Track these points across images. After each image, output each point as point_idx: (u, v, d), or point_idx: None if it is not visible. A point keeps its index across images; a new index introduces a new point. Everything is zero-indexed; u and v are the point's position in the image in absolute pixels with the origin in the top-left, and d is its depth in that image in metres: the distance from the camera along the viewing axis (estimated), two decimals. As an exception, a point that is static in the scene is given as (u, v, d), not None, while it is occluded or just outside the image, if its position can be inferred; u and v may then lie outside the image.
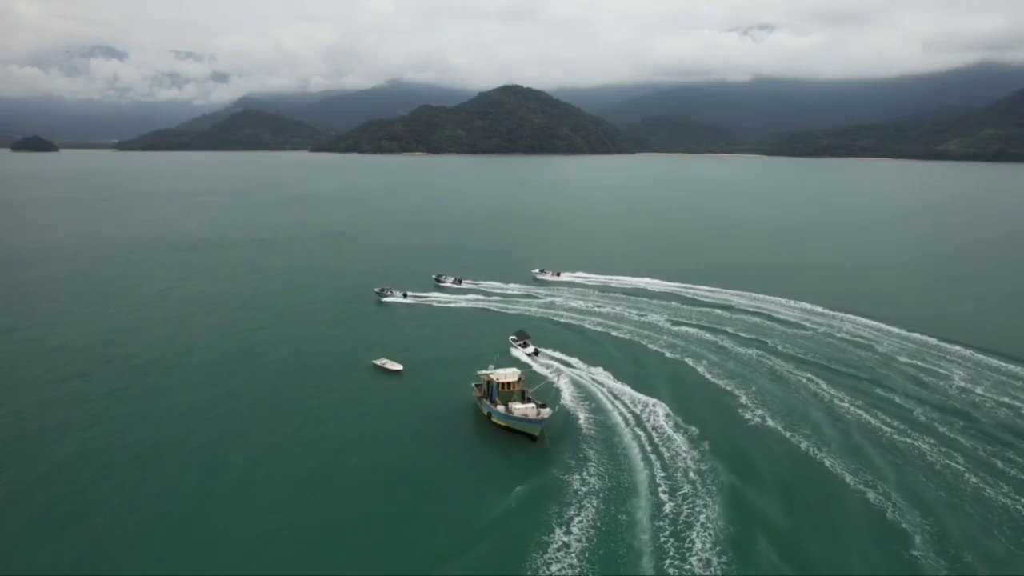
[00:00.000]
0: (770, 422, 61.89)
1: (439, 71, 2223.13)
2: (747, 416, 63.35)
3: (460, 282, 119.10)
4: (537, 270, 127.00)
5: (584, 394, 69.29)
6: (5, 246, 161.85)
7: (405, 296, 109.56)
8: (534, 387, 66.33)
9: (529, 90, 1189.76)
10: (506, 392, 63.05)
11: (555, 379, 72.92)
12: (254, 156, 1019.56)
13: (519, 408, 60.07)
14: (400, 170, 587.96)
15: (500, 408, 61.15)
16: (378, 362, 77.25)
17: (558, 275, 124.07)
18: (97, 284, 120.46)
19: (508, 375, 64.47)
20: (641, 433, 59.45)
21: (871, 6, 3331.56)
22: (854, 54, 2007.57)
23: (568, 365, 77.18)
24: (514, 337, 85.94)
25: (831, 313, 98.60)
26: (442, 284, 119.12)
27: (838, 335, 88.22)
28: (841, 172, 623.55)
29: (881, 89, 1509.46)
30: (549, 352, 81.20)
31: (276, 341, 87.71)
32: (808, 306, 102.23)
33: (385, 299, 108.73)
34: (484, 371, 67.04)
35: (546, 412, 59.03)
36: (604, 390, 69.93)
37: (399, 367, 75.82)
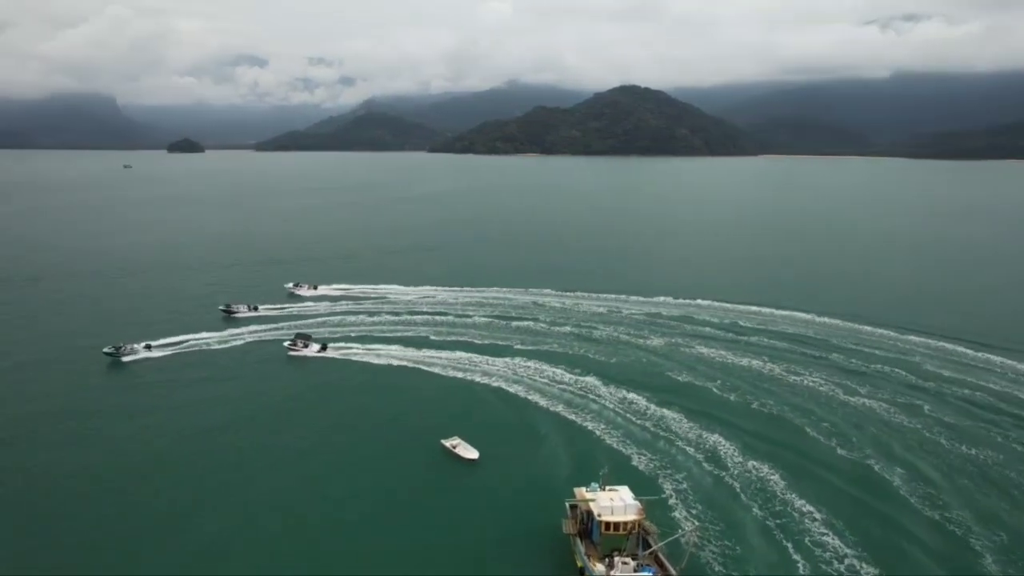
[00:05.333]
0: None
1: (556, 72, 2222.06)
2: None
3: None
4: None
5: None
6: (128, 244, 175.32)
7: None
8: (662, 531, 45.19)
9: (646, 90, 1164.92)
10: (614, 535, 43.27)
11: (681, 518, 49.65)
12: (373, 156, 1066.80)
13: None
14: (511, 171, 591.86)
15: (599, 569, 41.85)
16: (449, 443, 61.27)
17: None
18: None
19: (619, 507, 43.95)
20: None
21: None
22: (1018, 43, 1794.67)
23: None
24: (289, 343, 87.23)
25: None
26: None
27: None
28: (1001, 177, 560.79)
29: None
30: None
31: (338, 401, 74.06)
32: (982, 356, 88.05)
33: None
34: (584, 490, 46.79)
35: None
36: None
37: (474, 454, 59.63)
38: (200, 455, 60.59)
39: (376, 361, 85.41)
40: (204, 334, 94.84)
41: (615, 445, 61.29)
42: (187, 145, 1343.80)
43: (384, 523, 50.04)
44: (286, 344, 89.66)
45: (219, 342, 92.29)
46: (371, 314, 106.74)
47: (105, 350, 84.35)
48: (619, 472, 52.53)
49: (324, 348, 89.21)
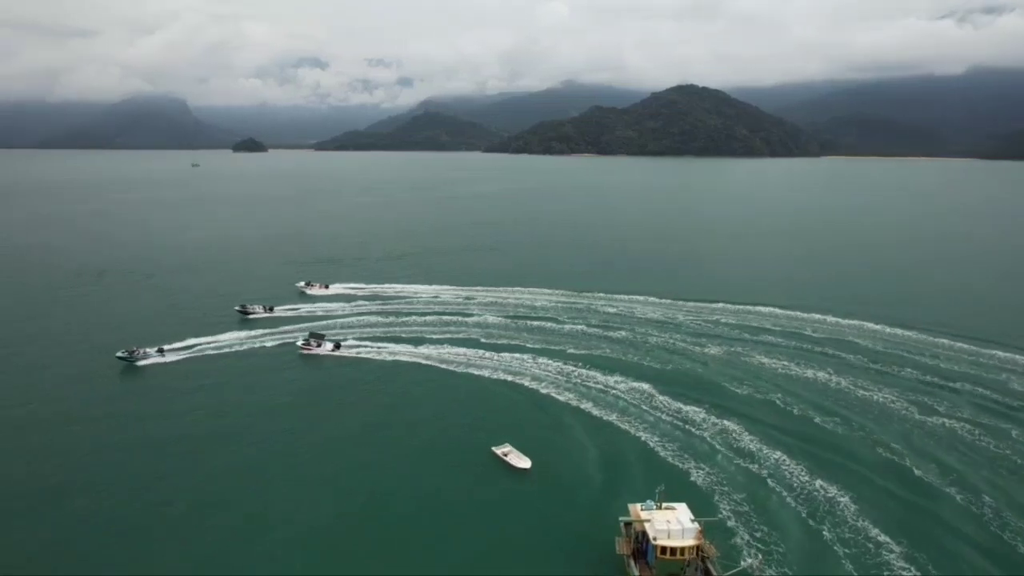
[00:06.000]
0: None
1: (613, 72, 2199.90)
2: None
3: None
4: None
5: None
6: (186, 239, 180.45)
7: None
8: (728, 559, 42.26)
9: (704, 89, 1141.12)
10: (670, 560, 40.46)
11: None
12: (429, 156, 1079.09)
13: None
14: (565, 172, 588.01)
15: None
16: (500, 451, 59.65)
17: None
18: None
19: (676, 529, 40.76)
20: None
21: None
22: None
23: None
24: (302, 342, 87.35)
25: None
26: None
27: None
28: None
29: None
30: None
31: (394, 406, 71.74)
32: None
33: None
34: (639, 507, 44.21)
35: None
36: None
37: (526, 464, 57.62)
38: (218, 463, 59.26)
39: (410, 361, 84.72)
40: (219, 336, 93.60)
41: (670, 459, 58.68)
42: (251, 145, 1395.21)
43: (431, 530, 48.95)
44: (299, 344, 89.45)
45: (236, 343, 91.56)
46: (403, 314, 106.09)
47: (118, 354, 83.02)
48: (675, 488, 49.88)
49: (337, 347, 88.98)
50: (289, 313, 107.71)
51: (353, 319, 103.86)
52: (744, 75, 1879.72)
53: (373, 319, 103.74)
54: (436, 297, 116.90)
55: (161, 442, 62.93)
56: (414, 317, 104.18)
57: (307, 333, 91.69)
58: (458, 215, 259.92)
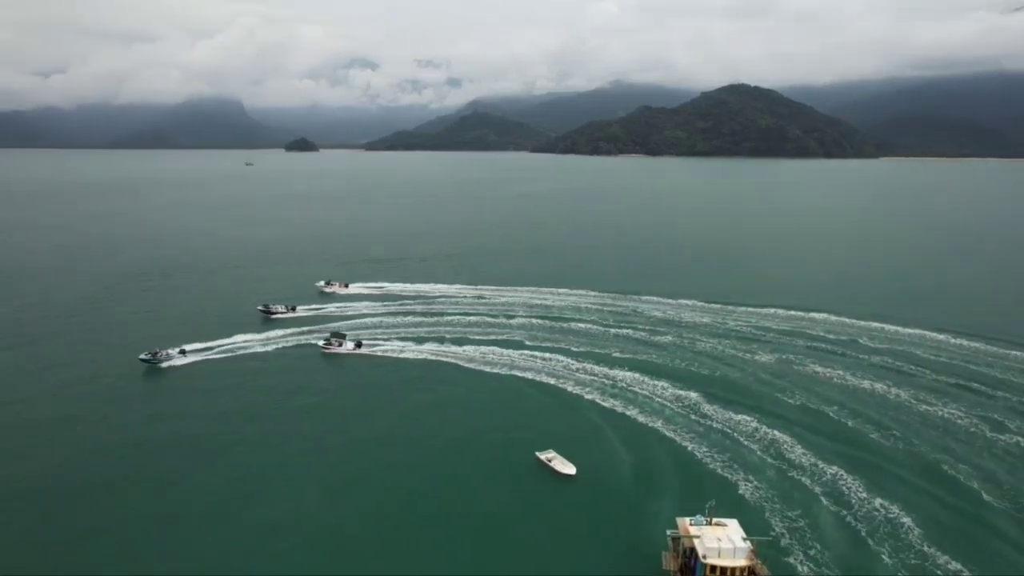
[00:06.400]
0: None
1: (662, 71, 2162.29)
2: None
3: None
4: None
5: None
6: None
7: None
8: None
9: (756, 89, 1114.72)
10: None
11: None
12: (477, 156, 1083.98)
13: None
14: (613, 172, 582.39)
15: None
16: (544, 456, 58.44)
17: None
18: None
19: (727, 548, 39.24)
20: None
21: None
22: None
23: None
24: (324, 340, 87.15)
25: None
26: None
27: None
28: None
29: None
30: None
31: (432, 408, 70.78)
32: None
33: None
34: (688, 521, 42.84)
35: None
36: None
37: (571, 470, 56.40)
38: (239, 464, 58.70)
39: (442, 361, 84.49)
40: (242, 337, 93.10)
41: (719, 470, 56.70)
42: (303, 144, 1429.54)
43: (470, 535, 48.43)
44: (320, 343, 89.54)
45: (259, 343, 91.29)
46: (437, 314, 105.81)
47: (141, 356, 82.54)
48: (725, 503, 48.13)
49: (359, 346, 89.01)
50: (311, 313, 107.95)
51: (378, 319, 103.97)
52: (797, 74, 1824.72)
53: (398, 319, 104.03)
54: (480, 298, 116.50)
55: (182, 444, 62.62)
56: (454, 317, 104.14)
57: (328, 333, 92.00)
58: (502, 215, 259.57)
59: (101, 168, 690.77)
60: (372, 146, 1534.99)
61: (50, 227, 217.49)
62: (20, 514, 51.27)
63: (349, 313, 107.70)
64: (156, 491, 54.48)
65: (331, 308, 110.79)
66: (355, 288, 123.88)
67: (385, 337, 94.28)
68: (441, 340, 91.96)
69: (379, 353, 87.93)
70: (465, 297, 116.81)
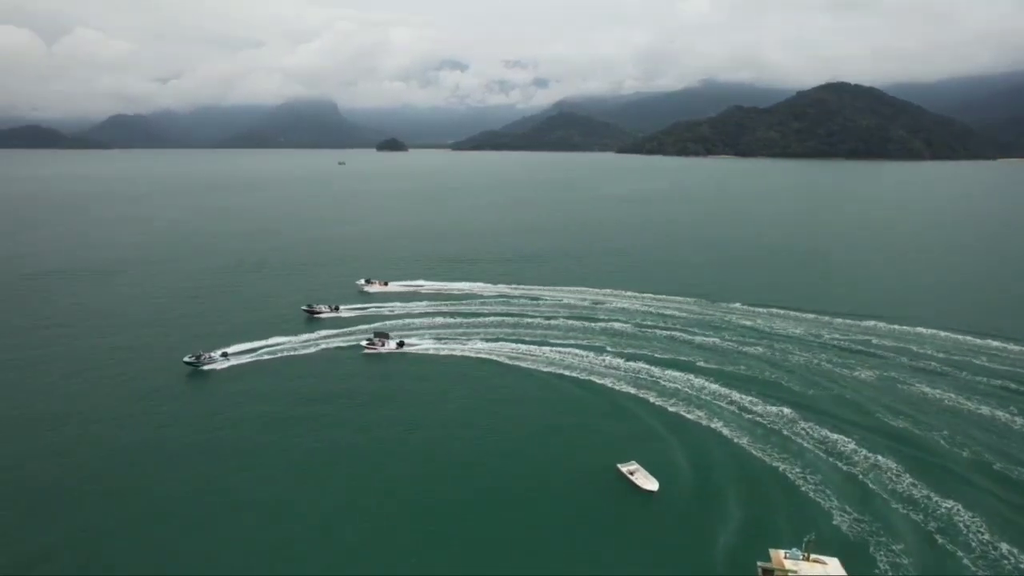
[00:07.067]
0: None
1: (754, 70, 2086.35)
2: None
3: None
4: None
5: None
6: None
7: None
8: None
9: (857, 87, 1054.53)
10: None
11: None
12: (561, 156, 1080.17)
13: None
14: (701, 173, 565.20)
15: None
16: (626, 468, 55.83)
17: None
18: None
19: None
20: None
21: None
22: None
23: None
24: (367, 341, 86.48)
25: None
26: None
27: None
28: None
29: None
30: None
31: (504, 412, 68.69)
32: None
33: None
34: (783, 554, 40.61)
35: None
36: None
37: (654, 485, 53.39)
38: (286, 471, 57.32)
39: (504, 363, 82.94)
40: (286, 338, 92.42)
41: (814, 496, 52.37)
42: (393, 144, 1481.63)
43: (544, 548, 46.60)
44: (363, 343, 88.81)
45: (301, 345, 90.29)
46: (522, 315, 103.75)
47: (186, 359, 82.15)
48: (824, 534, 44.40)
49: (401, 345, 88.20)
50: (354, 313, 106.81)
51: (421, 319, 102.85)
52: (904, 71, 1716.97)
53: (445, 319, 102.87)
54: (558, 299, 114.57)
55: (223, 448, 61.59)
56: (521, 318, 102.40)
57: (372, 333, 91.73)
58: (584, 215, 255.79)
59: (208, 166, 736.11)
60: (459, 146, 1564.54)
61: (162, 219, 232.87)
62: (59, 513, 51.32)
63: (397, 312, 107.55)
64: (197, 493, 53.82)
65: (373, 307, 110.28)
66: (394, 286, 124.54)
67: (437, 338, 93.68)
68: (515, 341, 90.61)
69: (431, 352, 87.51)
70: (541, 298, 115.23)
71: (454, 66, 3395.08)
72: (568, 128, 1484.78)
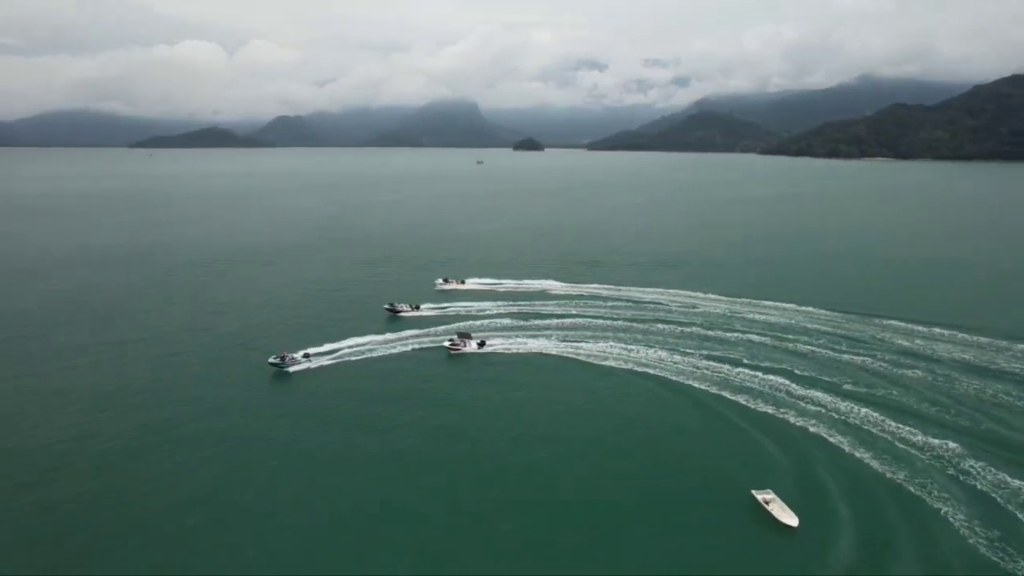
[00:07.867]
0: None
1: (921, 63, 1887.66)
2: None
3: None
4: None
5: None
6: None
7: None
8: None
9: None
10: None
11: None
12: (698, 157, 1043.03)
13: None
14: (854, 177, 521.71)
15: None
16: (761, 496, 50.90)
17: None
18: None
19: None
20: None
21: None
22: None
23: None
24: (450, 341, 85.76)
25: None
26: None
27: None
28: None
29: None
30: None
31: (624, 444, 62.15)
32: None
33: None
34: None
35: None
36: None
37: (793, 520, 48.08)
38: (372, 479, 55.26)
39: (638, 371, 78.80)
40: (367, 338, 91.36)
41: (985, 550, 45.36)
42: (530, 144, 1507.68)
43: None
44: (446, 344, 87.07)
45: (383, 345, 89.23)
46: (629, 318, 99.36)
47: (271, 360, 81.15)
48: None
49: (482, 345, 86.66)
50: (435, 312, 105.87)
51: (499, 321, 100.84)
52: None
53: (522, 320, 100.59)
54: (688, 306, 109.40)
55: (312, 454, 60.05)
56: (652, 324, 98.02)
57: (455, 333, 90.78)
58: (719, 218, 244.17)
59: (354, 164, 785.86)
60: (595, 146, 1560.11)
61: (302, 211, 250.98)
62: (146, 517, 50.57)
63: (474, 312, 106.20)
64: (286, 500, 52.46)
65: (454, 306, 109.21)
66: (471, 284, 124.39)
67: (522, 336, 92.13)
68: (627, 344, 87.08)
69: (521, 351, 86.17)
70: (671, 303, 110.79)
71: (592, 66, 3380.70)
72: (708, 128, 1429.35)
